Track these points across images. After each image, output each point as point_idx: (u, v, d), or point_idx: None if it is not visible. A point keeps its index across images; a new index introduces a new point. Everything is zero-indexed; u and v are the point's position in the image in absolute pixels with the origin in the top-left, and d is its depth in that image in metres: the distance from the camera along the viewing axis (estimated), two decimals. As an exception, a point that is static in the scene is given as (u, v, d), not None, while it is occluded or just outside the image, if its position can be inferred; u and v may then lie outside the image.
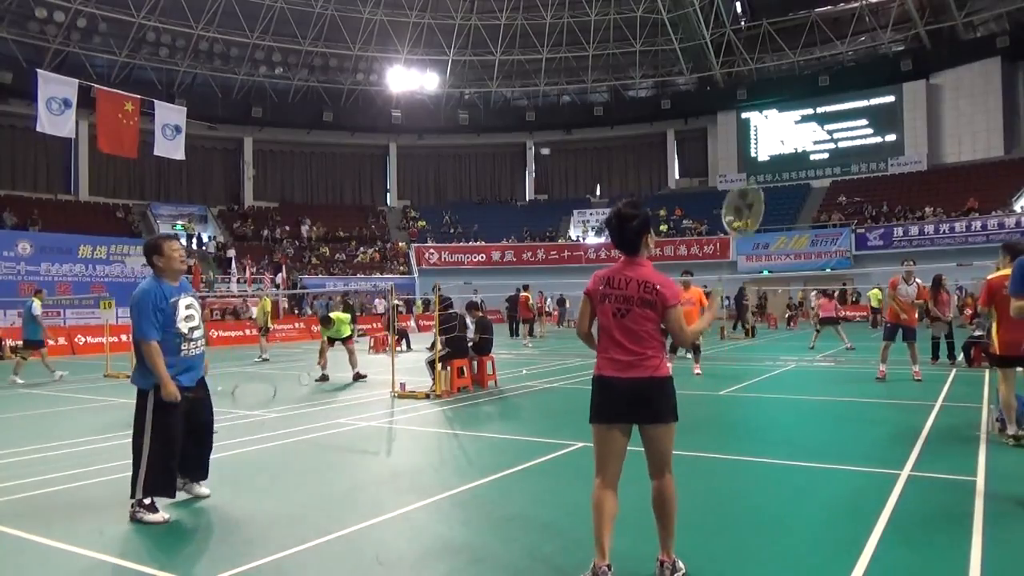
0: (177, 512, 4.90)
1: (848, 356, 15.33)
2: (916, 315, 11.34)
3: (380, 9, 40.53)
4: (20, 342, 20.02)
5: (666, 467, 3.58)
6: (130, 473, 4.89)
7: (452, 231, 43.20)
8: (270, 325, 18.67)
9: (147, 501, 4.73)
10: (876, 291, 25.28)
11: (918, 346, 11.29)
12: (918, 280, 11.27)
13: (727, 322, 25.31)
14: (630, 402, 3.48)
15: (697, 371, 12.38)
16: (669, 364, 14.54)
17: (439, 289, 10.74)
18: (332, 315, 13.46)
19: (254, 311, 25.69)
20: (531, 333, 21.81)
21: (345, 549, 4.12)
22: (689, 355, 15.69)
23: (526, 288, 21.45)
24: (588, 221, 42.25)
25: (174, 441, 4.90)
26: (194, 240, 38.02)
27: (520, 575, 3.73)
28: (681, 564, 3.59)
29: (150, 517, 4.67)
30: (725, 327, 24.31)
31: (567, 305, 31.82)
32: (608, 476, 3.56)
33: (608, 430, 3.55)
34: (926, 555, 3.88)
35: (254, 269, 33.27)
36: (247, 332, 24.22)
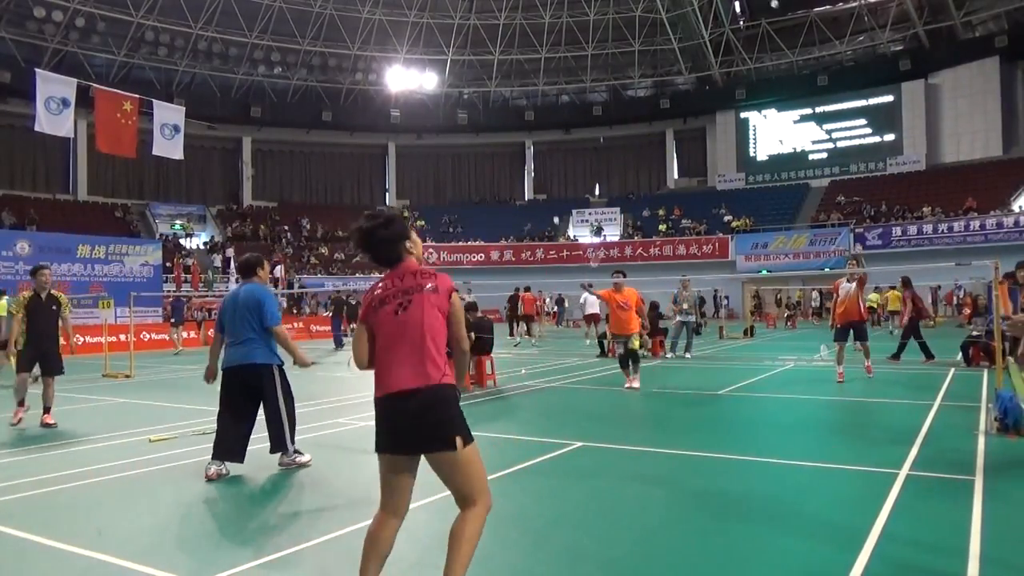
0: (177, 512, 4.90)
1: (847, 356, 15.30)
2: (859, 310, 11.06)
3: (379, 9, 40.53)
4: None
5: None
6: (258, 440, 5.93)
7: (451, 231, 43.20)
8: None
9: (295, 448, 5.99)
10: (875, 295, 25.27)
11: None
12: (860, 275, 11.18)
13: (726, 322, 25.34)
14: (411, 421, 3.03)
15: (634, 384, 10.53)
16: (670, 355, 14.14)
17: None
18: None
19: None
20: (529, 333, 21.80)
21: (345, 548, 4.12)
22: (688, 356, 15.75)
23: (527, 289, 21.35)
24: (587, 221, 42.27)
25: (294, 400, 6.16)
26: (193, 240, 38.06)
27: (520, 574, 3.73)
28: None
29: (304, 459, 6.03)
30: (724, 327, 24.32)
31: (566, 305, 31.84)
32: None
33: (389, 462, 3.08)
34: (925, 555, 3.88)
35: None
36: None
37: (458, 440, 2.97)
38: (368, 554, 3.02)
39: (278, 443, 5.93)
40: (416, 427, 2.96)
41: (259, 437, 7.45)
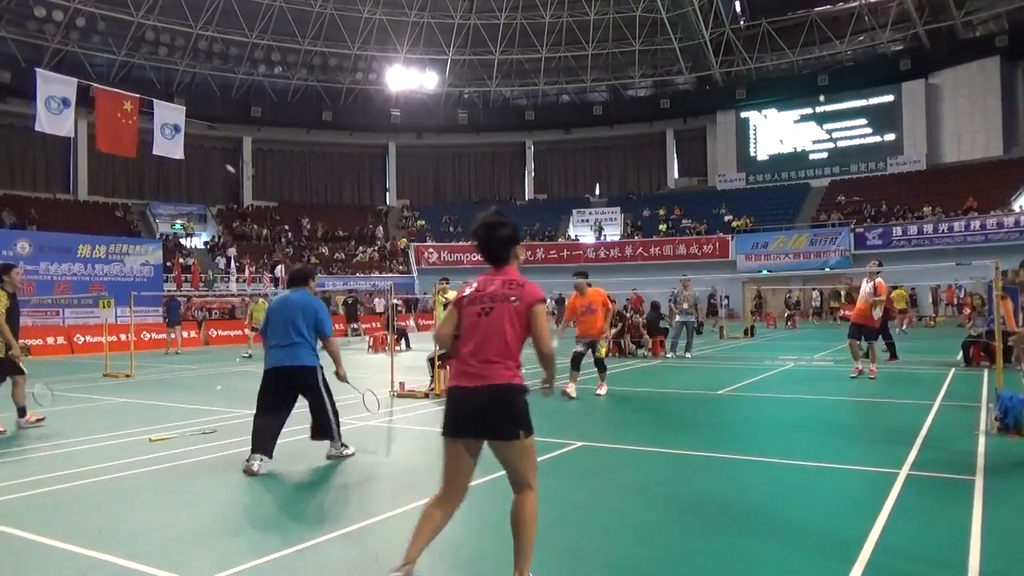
0: (177, 511, 4.90)
1: (847, 356, 15.30)
2: (875, 313, 11.34)
3: (379, 8, 40.51)
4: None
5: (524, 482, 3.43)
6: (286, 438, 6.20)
7: (451, 231, 43.20)
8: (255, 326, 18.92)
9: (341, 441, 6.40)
10: (900, 291, 24.94)
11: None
12: (877, 279, 11.36)
13: (726, 322, 25.35)
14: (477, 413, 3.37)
15: (600, 391, 10.15)
16: (670, 355, 14.08)
17: (444, 289, 10.72)
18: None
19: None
20: None
21: (345, 548, 4.13)
22: (689, 355, 15.75)
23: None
24: (587, 220, 42.27)
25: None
26: (193, 240, 38.07)
27: (520, 575, 3.72)
28: None
29: (349, 452, 6.41)
30: (724, 326, 24.32)
31: (566, 305, 31.82)
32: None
33: (452, 445, 3.43)
34: (925, 555, 3.88)
35: (253, 268, 33.29)
36: (247, 331, 24.21)
37: (521, 433, 3.35)
38: (422, 527, 3.30)
39: (325, 432, 6.36)
40: (482, 418, 3.30)
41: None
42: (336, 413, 6.41)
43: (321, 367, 6.36)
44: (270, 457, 6.05)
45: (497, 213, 3.56)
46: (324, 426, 6.34)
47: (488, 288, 3.43)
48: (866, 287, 11.35)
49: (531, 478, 3.43)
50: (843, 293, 31.62)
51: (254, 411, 6.26)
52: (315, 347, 6.31)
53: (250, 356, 17.61)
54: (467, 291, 3.48)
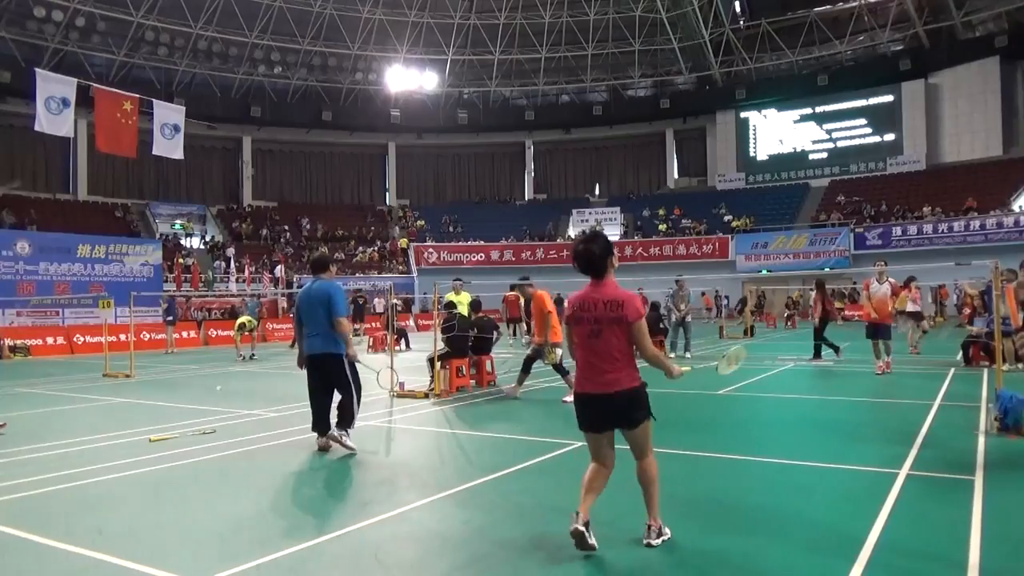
0: (177, 511, 4.90)
1: (848, 355, 15.32)
2: (889, 312, 11.65)
3: (379, 8, 40.52)
4: (17, 342, 20.09)
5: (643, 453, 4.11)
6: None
7: (451, 231, 43.20)
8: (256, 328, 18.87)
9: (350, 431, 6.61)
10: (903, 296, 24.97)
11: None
12: (891, 279, 11.61)
13: (726, 321, 25.34)
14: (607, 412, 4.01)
15: (567, 398, 9.25)
16: (672, 355, 14.06)
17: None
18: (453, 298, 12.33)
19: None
20: (514, 334, 21.53)
21: (344, 548, 4.12)
22: (688, 355, 15.74)
23: (511, 289, 20.27)
24: (587, 220, 42.27)
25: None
26: (193, 240, 38.07)
27: (519, 574, 3.73)
28: (667, 530, 4.06)
29: (350, 445, 6.49)
30: (724, 326, 24.32)
31: (565, 305, 31.81)
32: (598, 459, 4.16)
33: (594, 436, 4.10)
34: (925, 554, 3.88)
35: (252, 268, 33.30)
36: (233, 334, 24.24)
37: (642, 423, 4.02)
38: (587, 490, 3.98)
39: (347, 419, 6.60)
40: (608, 417, 4.00)
41: (262, 436, 7.45)
42: (359, 400, 6.71)
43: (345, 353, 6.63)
44: (324, 430, 6.62)
45: (587, 238, 4.05)
46: (347, 414, 6.62)
47: (591, 310, 3.97)
48: (881, 288, 11.47)
49: (649, 450, 4.14)
50: (847, 294, 31.79)
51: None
52: (335, 333, 6.60)
53: (244, 357, 17.55)
54: (577, 304, 4.04)
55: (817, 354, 14.26)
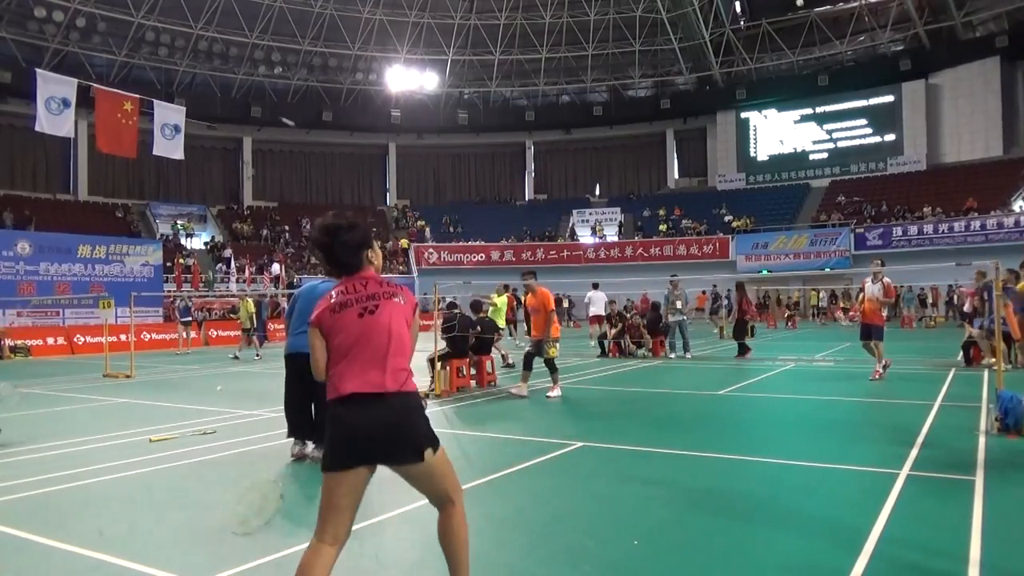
0: (178, 512, 4.90)
1: (847, 356, 15.32)
2: (882, 313, 11.49)
3: (379, 9, 40.52)
4: (17, 342, 20.10)
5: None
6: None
7: (451, 231, 43.20)
8: (254, 325, 18.81)
9: None
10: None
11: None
12: (885, 279, 11.41)
13: (727, 321, 25.33)
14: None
15: (551, 393, 9.91)
16: (672, 355, 14.16)
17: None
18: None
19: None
20: (510, 334, 21.44)
21: (344, 548, 4.12)
22: (688, 355, 15.74)
23: (506, 288, 18.85)
24: (587, 220, 42.28)
25: None
26: (194, 240, 38.07)
27: (519, 574, 3.73)
28: None
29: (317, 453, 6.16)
30: (724, 327, 24.30)
31: (564, 304, 31.79)
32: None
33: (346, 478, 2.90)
34: (925, 555, 3.88)
35: (252, 268, 33.30)
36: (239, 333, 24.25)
37: (427, 452, 2.87)
38: None
39: (316, 429, 6.24)
40: (384, 435, 2.78)
41: (260, 436, 7.45)
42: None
43: None
44: (310, 440, 6.31)
45: (336, 216, 3.07)
46: (316, 422, 6.23)
47: (360, 289, 2.97)
48: (873, 288, 11.35)
49: (454, 492, 3.08)
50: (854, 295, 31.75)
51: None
52: None
53: (237, 357, 17.58)
54: (333, 298, 2.96)
55: (741, 352, 15.27)
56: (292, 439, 6.47)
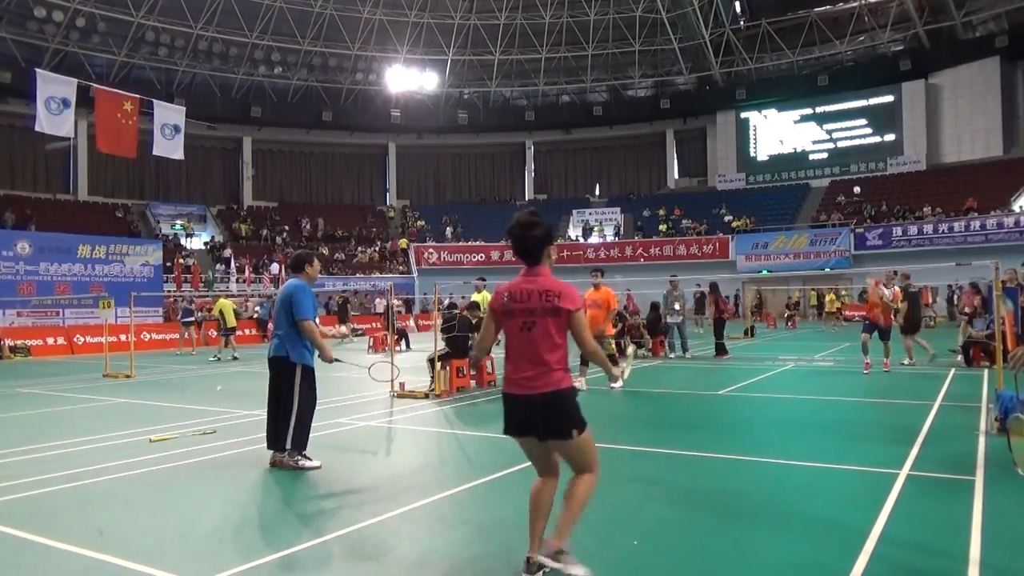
0: (178, 512, 4.90)
1: (847, 356, 15.33)
2: (890, 315, 12.35)
3: (379, 9, 40.52)
4: (17, 342, 20.10)
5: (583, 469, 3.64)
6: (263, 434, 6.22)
7: (451, 231, 43.20)
8: (234, 325, 18.71)
9: (300, 453, 6.00)
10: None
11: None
12: (898, 286, 12.47)
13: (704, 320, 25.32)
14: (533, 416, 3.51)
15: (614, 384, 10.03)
16: (672, 355, 14.37)
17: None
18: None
19: (250, 309, 25.69)
20: None
21: (344, 548, 4.12)
22: (688, 355, 15.75)
23: (483, 280, 18.57)
24: (587, 220, 42.27)
25: (314, 405, 6.26)
26: (194, 240, 38.07)
27: (519, 575, 3.72)
28: (575, 569, 3.46)
29: (310, 464, 5.95)
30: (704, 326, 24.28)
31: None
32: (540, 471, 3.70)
33: (524, 441, 3.63)
34: (925, 555, 3.88)
35: (252, 268, 33.30)
36: (246, 332, 24.23)
37: (574, 432, 3.50)
38: (534, 512, 3.53)
39: (298, 441, 6.00)
40: (538, 421, 3.47)
41: (260, 437, 7.45)
42: (301, 420, 6.00)
43: (306, 364, 6.10)
44: (278, 450, 6.02)
45: (531, 214, 3.65)
46: (297, 434, 5.98)
47: (525, 300, 3.52)
48: (886, 292, 12.10)
49: (592, 466, 3.70)
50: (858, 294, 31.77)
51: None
52: (304, 339, 6.05)
53: (218, 359, 17.41)
54: (507, 293, 3.58)
55: (719, 351, 15.65)
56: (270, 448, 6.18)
